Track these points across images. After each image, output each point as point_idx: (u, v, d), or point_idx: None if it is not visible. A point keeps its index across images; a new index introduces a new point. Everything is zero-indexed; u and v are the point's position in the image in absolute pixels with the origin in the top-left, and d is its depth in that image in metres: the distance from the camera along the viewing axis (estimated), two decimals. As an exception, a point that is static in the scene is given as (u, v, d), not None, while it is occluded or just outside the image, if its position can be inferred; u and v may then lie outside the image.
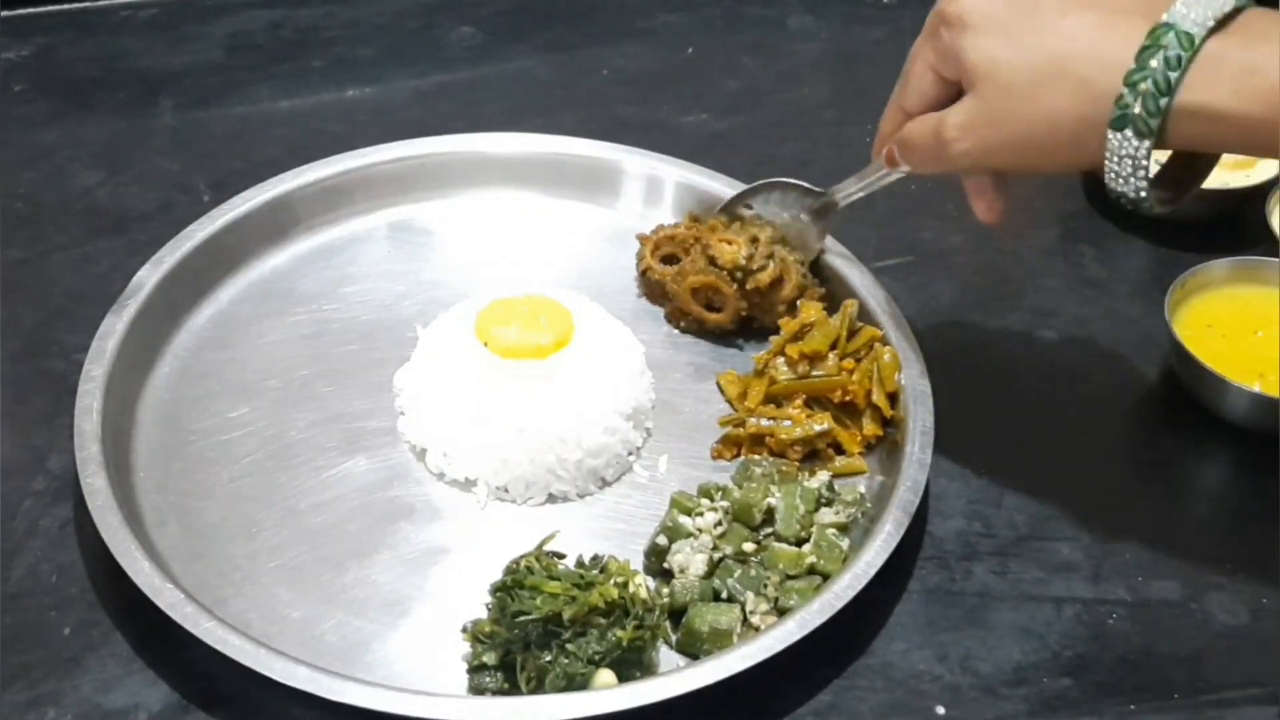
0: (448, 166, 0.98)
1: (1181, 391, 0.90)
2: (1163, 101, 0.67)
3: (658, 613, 0.72)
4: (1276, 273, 0.91)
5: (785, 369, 0.86)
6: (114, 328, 0.84)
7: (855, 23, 1.22)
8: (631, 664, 0.71)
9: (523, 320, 0.84)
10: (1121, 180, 0.70)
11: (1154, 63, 0.67)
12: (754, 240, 0.90)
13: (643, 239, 0.94)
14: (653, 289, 0.93)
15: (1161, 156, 0.74)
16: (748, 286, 0.89)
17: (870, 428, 0.84)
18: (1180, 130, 0.68)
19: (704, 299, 0.91)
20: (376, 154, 0.98)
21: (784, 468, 0.83)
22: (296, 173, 0.96)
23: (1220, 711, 0.74)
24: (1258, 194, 0.98)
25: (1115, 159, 0.69)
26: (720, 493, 0.79)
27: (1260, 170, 0.99)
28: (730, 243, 0.90)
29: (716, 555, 0.77)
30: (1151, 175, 0.70)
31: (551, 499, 0.81)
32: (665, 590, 0.76)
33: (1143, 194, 0.71)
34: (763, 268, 0.89)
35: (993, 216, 0.80)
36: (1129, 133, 0.68)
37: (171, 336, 0.88)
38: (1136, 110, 0.67)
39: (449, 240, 0.97)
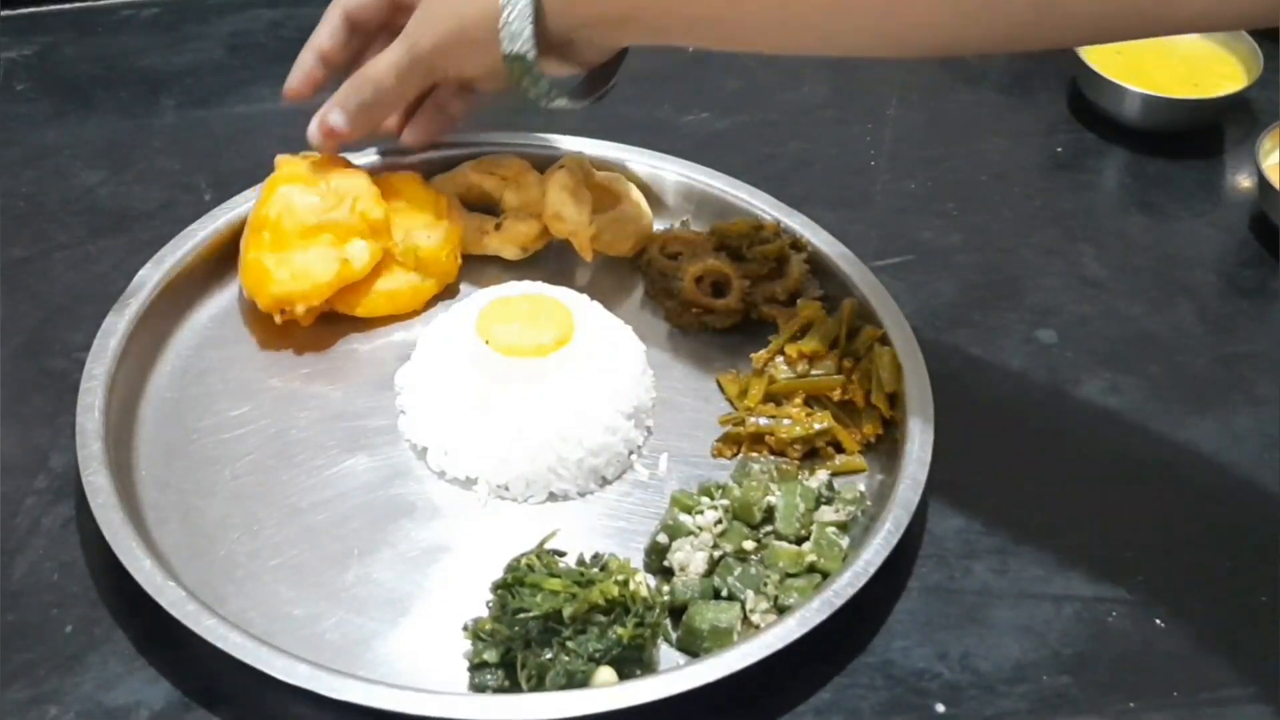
0: (448, 165, 0.97)
1: (1182, 390, 0.90)
2: None
3: (658, 611, 0.73)
4: None
5: (785, 368, 0.86)
6: (116, 326, 0.84)
7: (856, 22, 1.22)
8: (632, 662, 0.71)
9: (524, 318, 0.84)
10: (525, 87, 0.84)
11: None
12: (760, 226, 0.93)
13: (650, 238, 0.94)
14: (655, 282, 0.93)
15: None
16: (753, 258, 0.91)
17: (870, 426, 0.84)
18: (558, 25, 0.81)
19: (708, 287, 0.91)
20: (377, 153, 0.98)
21: (784, 466, 0.83)
22: (298, 172, 0.96)
23: (1220, 710, 0.74)
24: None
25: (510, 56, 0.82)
26: (720, 491, 0.79)
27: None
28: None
29: (717, 553, 0.77)
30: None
31: (552, 497, 0.81)
32: (665, 588, 0.76)
33: (541, 94, 0.85)
34: (770, 241, 0.92)
35: (412, 137, 0.94)
36: (513, 15, 0.81)
37: (173, 335, 0.88)
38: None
39: (450, 239, 0.97)
